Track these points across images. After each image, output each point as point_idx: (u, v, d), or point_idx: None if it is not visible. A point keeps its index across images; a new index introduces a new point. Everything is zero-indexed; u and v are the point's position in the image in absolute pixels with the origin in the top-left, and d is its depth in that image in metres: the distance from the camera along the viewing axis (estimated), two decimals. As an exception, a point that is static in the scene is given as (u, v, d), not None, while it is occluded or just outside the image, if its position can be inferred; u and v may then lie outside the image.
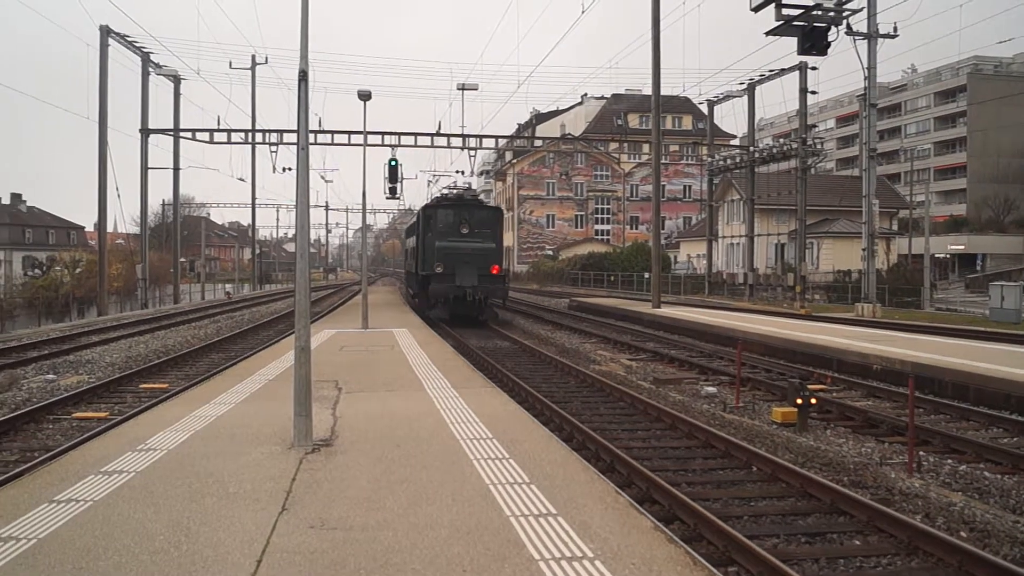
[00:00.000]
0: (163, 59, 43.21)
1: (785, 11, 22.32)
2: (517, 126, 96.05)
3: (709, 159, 47.13)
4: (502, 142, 52.73)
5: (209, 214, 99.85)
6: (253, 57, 51.94)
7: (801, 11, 22.39)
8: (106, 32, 35.83)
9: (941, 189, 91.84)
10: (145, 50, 39.50)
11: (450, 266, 26.46)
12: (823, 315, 28.27)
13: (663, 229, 58.66)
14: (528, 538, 5.13)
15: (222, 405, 9.97)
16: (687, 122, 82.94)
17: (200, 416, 9.21)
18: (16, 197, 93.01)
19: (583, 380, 15.27)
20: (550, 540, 5.10)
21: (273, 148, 38.47)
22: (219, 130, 36.72)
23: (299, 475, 6.62)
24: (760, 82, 41.17)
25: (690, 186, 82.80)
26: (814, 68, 36.84)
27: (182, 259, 52.19)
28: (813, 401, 11.09)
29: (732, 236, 54.67)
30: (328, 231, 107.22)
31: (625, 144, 59.77)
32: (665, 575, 4.59)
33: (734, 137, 69.40)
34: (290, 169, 43.72)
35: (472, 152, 38.77)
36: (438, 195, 34.85)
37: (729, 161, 45.00)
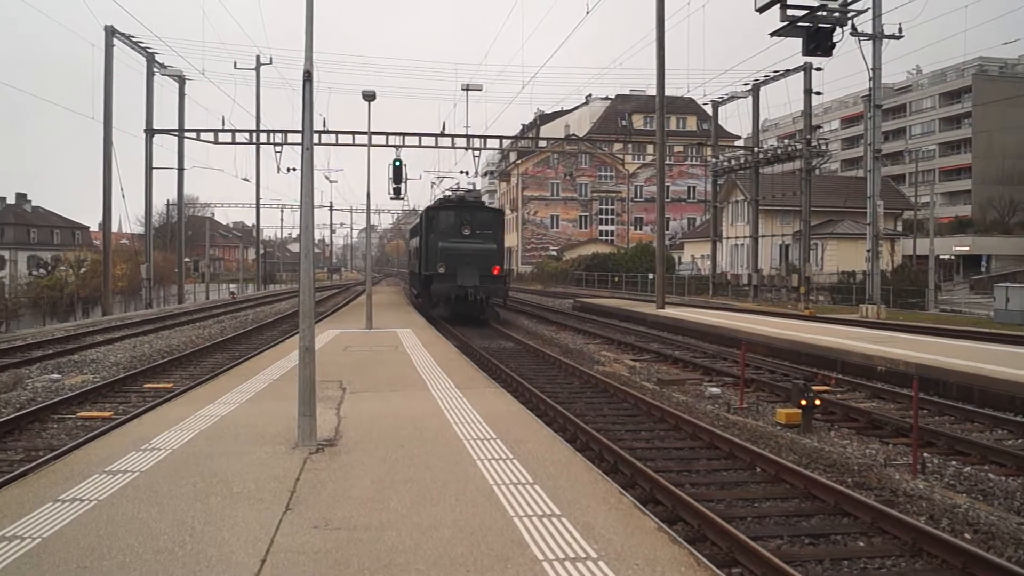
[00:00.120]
0: (168, 59, 43.35)
1: (790, 12, 22.27)
2: (521, 127, 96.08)
3: (713, 160, 47.08)
4: (506, 143, 52.74)
5: (213, 214, 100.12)
6: (258, 57, 52.04)
7: (806, 12, 22.35)
8: (111, 32, 35.92)
9: (946, 190, 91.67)
10: (150, 50, 39.61)
11: (452, 266, 27.02)
12: (827, 316, 28.23)
13: (667, 230, 58.53)
14: (532, 539, 5.13)
15: (226, 405, 9.99)
16: (691, 123, 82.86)
17: (204, 416, 9.22)
18: (21, 197, 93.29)
19: (587, 381, 15.26)
20: (554, 541, 5.10)
21: (277, 148, 38.50)
22: (224, 130, 36.78)
23: (303, 475, 6.63)
24: (765, 83, 41.13)
25: (694, 187, 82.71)
26: (819, 69, 36.83)
27: (186, 259, 52.29)
28: (817, 402, 11.07)
29: (736, 237, 54.63)
30: (332, 231, 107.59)
31: (629, 145, 59.81)
32: (669, 576, 4.58)
33: (738, 138, 69.27)
34: (294, 169, 43.73)
35: (476, 153, 38.77)
36: (441, 197, 35.01)
37: (733, 162, 44.94)
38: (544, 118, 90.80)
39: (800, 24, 22.26)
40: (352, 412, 9.46)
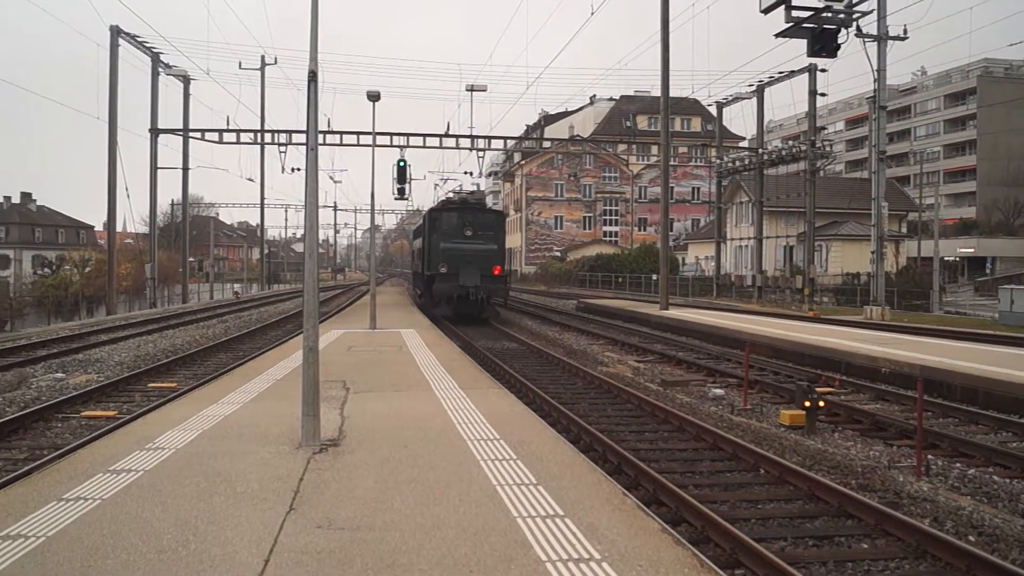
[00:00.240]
0: (173, 59, 43.59)
1: (795, 13, 22.25)
2: (526, 127, 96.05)
3: (718, 161, 47.04)
4: (510, 143, 52.63)
5: (218, 214, 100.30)
6: (263, 58, 51.99)
7: (811, 13, 22.33)
8: (116, 32, 36.01)
9: (951, 192, 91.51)
10: (155, 50, 39.69)
11: (454, 266, 27.68)
12: (832, 318, 28.18)
13: (671, 231, 58.56)
14: (535, 539, 5.13)
15: (230, 404, 10.00)
16: (696, 124, 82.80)
17: (208, 415, 9.23)
18: (26, 196, 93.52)
19: (590, 381, 15.26)
20: (557, 541, 5.09)
21: (282, 148, 38.65)
22: (228, 130, 36.87)
23: (307, 475, 6.63)
24: (769, 84, 41.11)
25: (699, 188, 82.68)
26: (823, 70, 36.86)
27: (191, 259, 52.34)
28: (821, 404, 11.05)
29: (740, 238, 54.57)
30: (336, 231, 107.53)
31: (634, 146, 59.75)
32: (672, 577, 4.58)
33: (743, 139, 69.23)
34: (299, 169, 43.80)
35: (480, 153, 38.82)
36: (444, 198, 35.28)
37: (738, 163, 44.90)
38: (548, 119, 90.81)
39: (805, 25, 22.23)
40: (356, 412, 9.46)
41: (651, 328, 26.63)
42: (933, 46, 57.11)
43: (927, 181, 75.19)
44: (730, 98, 44.82)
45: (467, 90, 34.98)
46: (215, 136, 36.94)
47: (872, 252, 29.02)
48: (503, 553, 4.88)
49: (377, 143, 24.84)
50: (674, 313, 28.71)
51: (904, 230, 58.17)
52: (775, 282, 44.89)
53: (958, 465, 9.21)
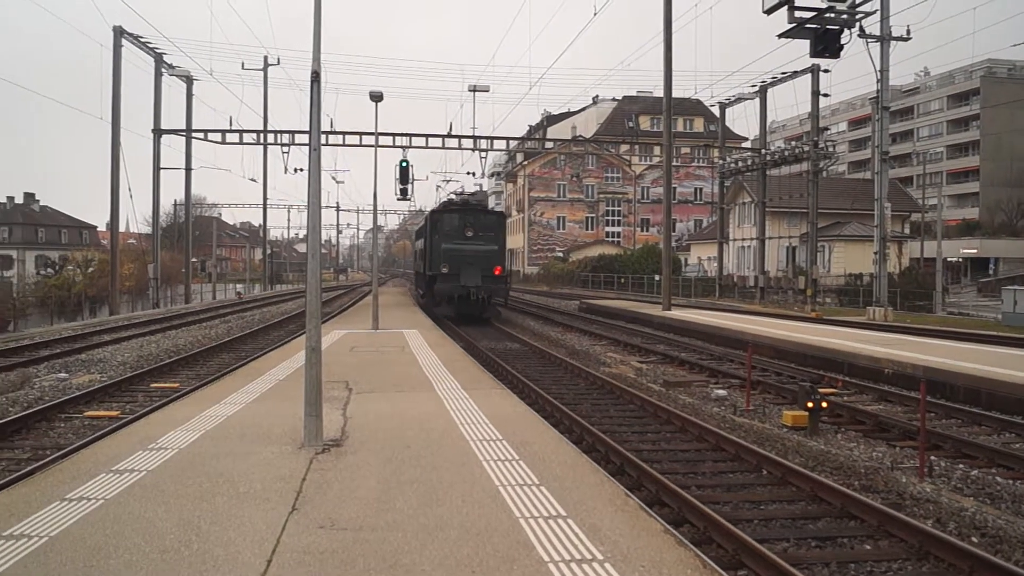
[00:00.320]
0: (176, 60, 43.44)
1: (798, 13, 22.27)
2: (528, 128, 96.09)
3: (720, 161, 47.00)
4: (513, 143, 52.70)
5: (221, 214, 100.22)
6: (265, 58, 52.24)
7: (814, 13, 22.33)
8: (119, 33, 36.04)
9: (954, 193, 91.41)
10: (158, 51, 39.69)
11: (455, 267, 28.05)
12: (834, 318, 28.15)
13: (674, 231, 58.50)
14: (538, 540, 5.13)
15: (232, 405, 10.00)
16: (699, 124, 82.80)
17: (211, 415, 9.24)
18: (29, 196, 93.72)
19: (593, 382, 15.26)
20: (560, 542, 5.09)
21: (285, 149, 38.65)
22: (231, 131, 36.87)
23: (309, 475, 6.64)
24: (772, 84, 41.07)
25: (701, 188, 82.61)
26: (826, 71, 36.73)
27: (193, 259, 52.42)
28: (824, 405, 11.03)
29: (743, 239, 54.52)
30: (339, 232, 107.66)
31: (636, 146, 59.73)
32: (674, 578, 4.58)
33: (746, 140, 69.28)
34: (302, 170, 43.83)
35: (483, 154, 38.83)
36: (445, 199, 35.46)
37: (741, 164, 44.87)
38: (551, 119, 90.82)
39: (808, 26, 22.26)
40: (358, 412, 9.46)
41: (653, 329, 26.62)
42: (936, 47, 57.20)
43: (930, 182, 75.08)
44: (733, 99, 44.80)
45: (470, 90, 35.08)
46: (218, 136, 36.95)
47: (875, 253, 28.99)
48: (506, 554, 4.88)
49: (380, 144, 24.84)
50: (676, 314, 28.70)
51: (907, 231, 58.12)
52: (778, 283, 44.89)
53: (961, 466, 9.20)
